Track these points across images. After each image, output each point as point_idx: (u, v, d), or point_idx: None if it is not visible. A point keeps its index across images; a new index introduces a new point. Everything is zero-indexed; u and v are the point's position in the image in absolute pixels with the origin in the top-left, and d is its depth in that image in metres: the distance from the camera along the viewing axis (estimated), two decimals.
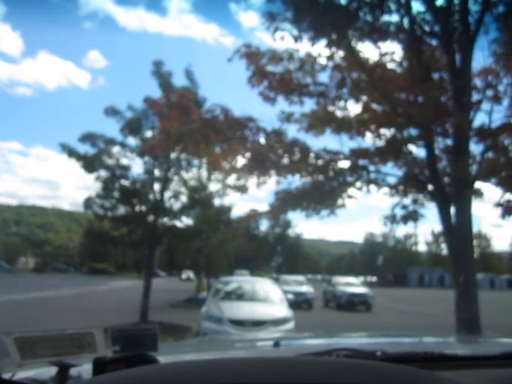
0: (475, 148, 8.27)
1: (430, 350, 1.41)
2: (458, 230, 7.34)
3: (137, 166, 20.80)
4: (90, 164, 12.80)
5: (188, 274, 52.51)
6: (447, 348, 1.86)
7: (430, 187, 8.01)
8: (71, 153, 12.55)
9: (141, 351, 1.07)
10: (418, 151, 8.82)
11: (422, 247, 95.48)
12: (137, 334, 1.10)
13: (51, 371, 1.11)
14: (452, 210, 7.51)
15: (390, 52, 8.31)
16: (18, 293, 16.38)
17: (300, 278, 26.86)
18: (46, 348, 1.01)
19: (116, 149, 13.18)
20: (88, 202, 13.42)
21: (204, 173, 13.67)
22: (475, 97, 8.15)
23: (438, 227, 71.52)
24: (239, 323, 8.36)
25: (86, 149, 12.82)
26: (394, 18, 7.92)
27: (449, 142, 8.25)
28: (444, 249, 68.59)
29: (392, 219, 8.68)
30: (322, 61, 8.17)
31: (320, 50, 7.97)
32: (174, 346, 2.19)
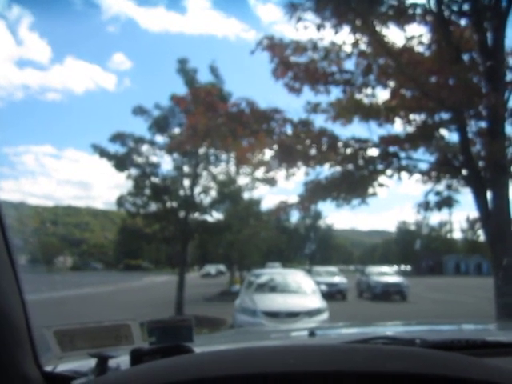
0: (511, 130, 7.99)
1: (472, 337, 1.37)
2: (496, 216, 7.11)
3: (166, 163, 21.07)
4: (120, 163, 13.07)
5: (209, 268, 47.18)
6: (489, 335, 1.80)
7: (465, 172, 7.79)
8: (102, 153, 12.84)
9: (177, 342, 1.08)
10: (450, 135, 8.59)
11: (457, 234, 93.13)
12: (172, 325, 1.12)
13: (91, 363, 1.14)
14: (488, 195, 7.28)
15: (418, 35, 8.10)
16: (57, 291, 16.94)
17: (333, 268, 26.69)
18: (85, 340, 1.04)
19: (145, 147, 13.42)
20: (120, 201, 13.73)
21: (232, 167, 13.74)
22: (509, 76, 7.84)
23: (473, 213, 69.65)
24: (273, 315, 8.40)
25: (116, 148, 13.10)
26: None
27: (483, 124, 7.99)
28: (481, 235, 66.69)
29: (425, 206, 8.48)
30: (347, 48, 8.04)
31: (344, 37, 7.85)
32: (209, 337, 2.21)
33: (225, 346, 1.69)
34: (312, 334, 1.66)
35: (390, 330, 2.19)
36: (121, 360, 1.12)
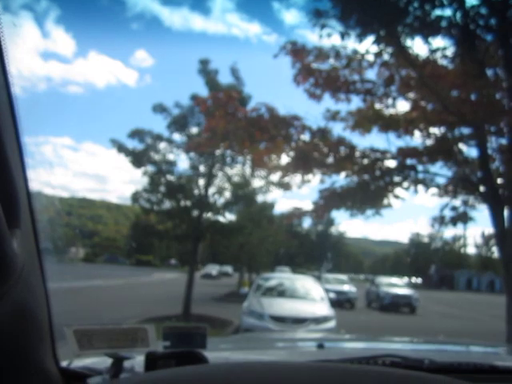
0: None
1: (480, 361, 1.37)
2: None
3: (182, 162, 21.23)
4: (138, 159, 13.18)
5: (210, 269, 42.28)
6: (498, 359, 1.80)
7: (482, 188, 7.70)
8: (121, 148, 12.96)
9: (190, 348, 1.11)
10: (469, 151, 8.50)
11: (470, 249, 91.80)
12: (187, 331, 1.15)
13: (105, 361, 1.18)
14: (505, 212, 7.18)
15: (442, 48, 8.04)
16: (69, 281, 17.17)
17: (342, 276, 26.57)
18: (102, 340, 1.07)
19: (162, 145, 13.51)
20: (135, 196, 13.84)
21: (248, 169, 13.76)
22: None
23: (488, 229, 68.53)
24: (280, 320, 8.40)
25: (134, 144, 13.21)
26: (446, 12, 7.65)
27: (503, 141, 7.89)
28: (495, 252, 65.61)
29: (440, 221, 8.41)
30: (370, 58, 8.02)
31: (367, 46, 7.83)
32: (220, 341, 2.24)
33: (236, 353, 1.72)
34: (320, 346, 1.67)
35: (399, 347, 2.19)
36: (135, 362, 1.15)
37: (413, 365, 1.23)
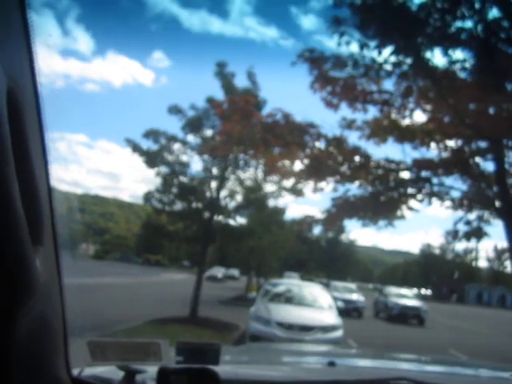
0: None
1: None
2: None
3: (195, 164, 21.31)
4: (151, 159, 13.23)
5: (216, 271, 40.50)
6: None
7: (498, 203, 7.60)
8: (135, 148, 13.03)
9: (203, 364, 1.10)
10: (485, 165, 8.42)
11: (482, 263, 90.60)
12: (200, 348, 1.14)
13: (116, 372, 1.17)
14: None
15: (461, 60, 7.96)
16: (78, 277, 17.33)
17: (351, 285, 26.38)
18: (115, 353, 1.07)
19: (177, 146, 13.55)
20: (148, 196, 13.89)
21: (260, 173, 13.74)
22: None
23: (501, 243, 67.56)
24: (287, 327, 8.35)
25: (148, 144, 13.27)
26: (467, 24, 7.59)
27: None
28: (508, 267, 64.65)
29: (454, 235, 8.31)
30: (388, 68, 7.98)
31: (386, 56, 7.79)
32: (229, 352, 2.23)
33: (246, 368, 1.71)
34: (332, 364, 1.66)
35: (410, 367, 2.15)
36: (147, 376, 1.15)
37: None
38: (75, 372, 1.22)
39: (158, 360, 1.09)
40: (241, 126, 7.66)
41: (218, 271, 42.19)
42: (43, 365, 0.94)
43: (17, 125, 0.69)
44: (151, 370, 1.14)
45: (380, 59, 7.91)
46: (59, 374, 1.05)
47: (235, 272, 47.86)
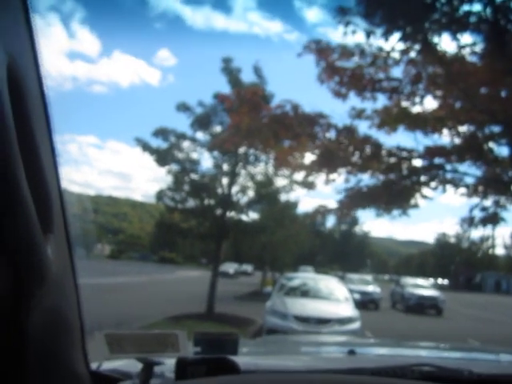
0: None
1: None
2: None
3: (205, 161, 21.35)
4: (162, 158, 13.28)
5: (227, 267, 38.78)
6: None
7: None
8: (145, 147, 13.08)
9: (221, 354, 1.09)
10: (499, 149, 8.26)
11: (499, 250, 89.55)
12: (218, 338, 1.13)
13: (135, 365, 1.17)
14: None
15: (470, 44, 7.83)
16: (95, 277, 17.50)
17: (367, 277, 26.30)
18: (133, 345, 1.07)
19: (186, 143, 13.58)
20: (160, 195, 13.96)
21: (271, 168, 13.70)
22: None
23: None
24: (304, 320, 8.34)
25: (158, 143, 13.32)
26: (475, 7, 7.45)
27: None
28: None
29: (470, 222, 8.20)
30: (396, 55, 7.88)
31: (393, 44, 7.69)
32: (247, 344, 2.22)
33: (265, 359, 1.70)
34: (352, 352, 1.64)
35: (433, 355, 2.12)
36: (166, 367, 1.14)
37: (450, 376, 1.18)
38: (94, 366, 1.22)
39: (175, 351, 1.08)
40: (249, 118, 7.63)
41: (230, 267, 41.53)
42: (60, 358, 0.94)
43: (20, 110, 0.68)
44: (169, 361, 1.13)
45: (387, 47, 7.83)
46: (77, 367, 1.04)
47: (248, 267, 47.67)
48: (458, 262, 68.38)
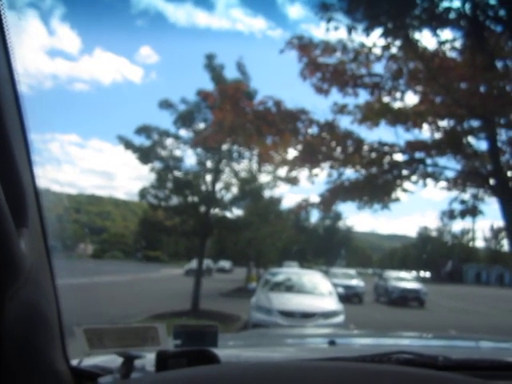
0: None
1: (495, 358, 1.35)
2: None
3: (189, 158, 21.26)
4: (145, 155, 13.17)
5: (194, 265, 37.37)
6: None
7: (492, 181, 7.62)
8: (128, 145, 12.95)
9: (201, 347, 1.09)
10: (478, 144, 8.41)
11: (479, 243, 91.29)
12: (198, 330, 1.13)
13: (115, 360, 1.17)
14: None
15: (450, 40, 7.94)
16: (77, 277, 17.29)
17: (350, 271, 26.51)
18: (113, 339, 1.06)
19: (169, 141, 13.48)
20: (143, 193, 13.84)
21: (255, 164, 13.70)
22: None
23: (497, 222, 68.04)
24: (289, 314, 8.40)
25: (141, 141, 13.20)
26: (455, 3, 7.55)
27: None
28: (504, 245, 65.17)
29: (450, 215, 8.35)
30: (377, 51, 7.94)
31: (375, 39, 7.76)
32: (230, 338, 2.23)
33: (246, 351, 1.70)
34: (332, 343, 1.66)
35: (412, 343, 2.16)
36: (146, 361, 1.14)
37: (427, 362, 1.21)
38: (74, 362, 1.21)
39: (156, 345, 1.08)
40: (232, 114, 7.61)
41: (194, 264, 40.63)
42: (40, 355, 0.93)
43: None
44: (150, 355, 1.13)
45: (369, 43, 7.89)
46: (57, 364, 1.04)
47: (226, 264, 45.33)
48: (439, 255, 69.51)
